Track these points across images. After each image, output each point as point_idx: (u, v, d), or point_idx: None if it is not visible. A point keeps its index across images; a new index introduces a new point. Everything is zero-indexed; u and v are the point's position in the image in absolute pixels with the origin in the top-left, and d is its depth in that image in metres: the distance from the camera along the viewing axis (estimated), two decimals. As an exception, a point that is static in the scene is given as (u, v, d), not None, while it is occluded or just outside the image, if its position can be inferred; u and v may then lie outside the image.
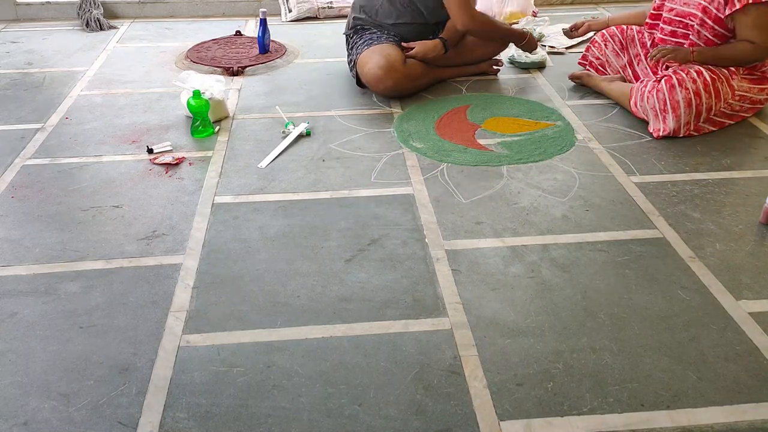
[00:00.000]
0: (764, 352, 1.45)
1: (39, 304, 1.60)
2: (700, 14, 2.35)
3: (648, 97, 2.38)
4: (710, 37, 2.36)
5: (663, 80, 2.34)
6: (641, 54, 2.65)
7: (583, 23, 2.98)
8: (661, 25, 2.52)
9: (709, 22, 2.34)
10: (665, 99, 2.33)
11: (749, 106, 2.43)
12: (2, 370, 1.41)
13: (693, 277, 1.68)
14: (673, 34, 2.47)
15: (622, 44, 2.73)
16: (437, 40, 2.73)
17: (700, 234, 1.85)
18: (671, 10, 2.47)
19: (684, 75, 2.31)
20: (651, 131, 2.38)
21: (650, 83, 2.39)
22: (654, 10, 2.57)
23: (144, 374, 1.40)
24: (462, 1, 2.61)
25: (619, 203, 2.00)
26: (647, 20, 2.62)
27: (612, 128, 2.46)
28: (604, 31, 2.79)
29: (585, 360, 1.43)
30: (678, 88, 2.30)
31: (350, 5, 2.94)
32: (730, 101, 2.36)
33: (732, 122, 2.43)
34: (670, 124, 2.33)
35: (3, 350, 1.47)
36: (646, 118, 2.43)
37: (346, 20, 2.96)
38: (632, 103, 2.48)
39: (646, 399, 1.34)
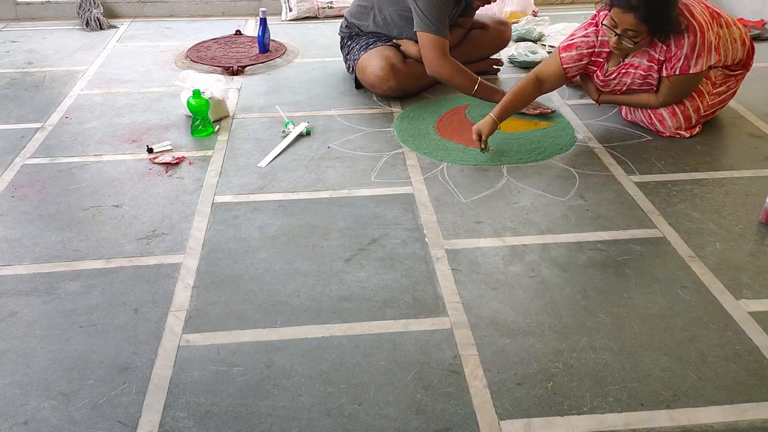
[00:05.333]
0: (764, 351, 1.45)
1: (39, 304, 1.60)
2: (640, 81, 2.30)
3: (634, 111, 2.42)
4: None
5: None
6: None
7: (480, 135, 2.24)
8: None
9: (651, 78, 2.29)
10: (649, 114, 2.36)
11: (733, 83, 2.37)
12: (2, 370, 1.41)
13: (693, 277, 1.68)
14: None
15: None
16: None
17: (700, 234, 1.85)
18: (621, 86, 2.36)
19: None
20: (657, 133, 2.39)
21: None
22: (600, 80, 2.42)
23: (144, 374, 1.40)
24: (432, 46, 2.49)
25: (619, 203, 1.99)
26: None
27: (612, 128, 2.46)
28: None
29: (585, 359, 1.43)
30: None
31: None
32: (714, 91, 2.32)
33: (727, 102, 2.41)
34: (669, 125, 2.33)
35: (3, 350, 1.47)
36: (641, 124, 2.42)
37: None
38: (623, 114, 2.50)
39: (645, 398, 1.34)
